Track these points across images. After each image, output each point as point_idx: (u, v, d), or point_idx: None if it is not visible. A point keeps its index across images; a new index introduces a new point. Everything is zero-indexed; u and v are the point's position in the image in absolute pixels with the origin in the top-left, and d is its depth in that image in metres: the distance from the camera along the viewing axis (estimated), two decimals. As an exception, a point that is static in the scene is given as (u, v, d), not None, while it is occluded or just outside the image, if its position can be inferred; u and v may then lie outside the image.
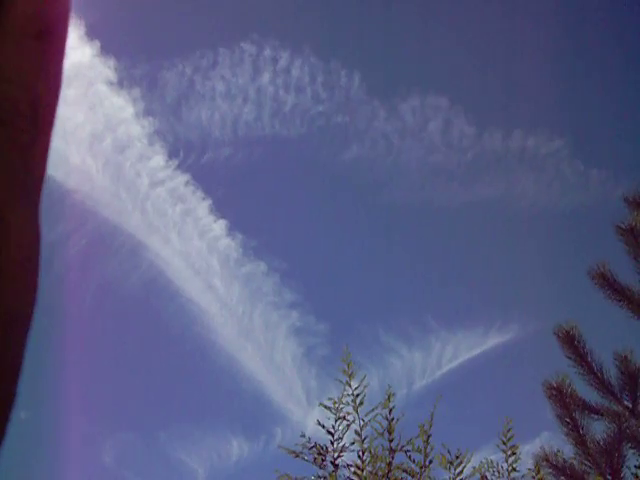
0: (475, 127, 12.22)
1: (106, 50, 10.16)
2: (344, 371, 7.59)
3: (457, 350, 11.61)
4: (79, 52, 10.07)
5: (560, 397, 5.06)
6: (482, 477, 7.75)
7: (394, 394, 7.52)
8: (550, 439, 6.75)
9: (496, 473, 7.79)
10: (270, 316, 11.91)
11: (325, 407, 7.58)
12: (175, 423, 11.63)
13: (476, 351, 11.55)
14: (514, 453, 7.58)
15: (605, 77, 12.54)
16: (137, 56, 11.09)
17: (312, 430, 7.72)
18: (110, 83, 10.54)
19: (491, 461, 7.81)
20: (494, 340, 11.48)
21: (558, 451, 5.10)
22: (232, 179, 12.28)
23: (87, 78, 10.65)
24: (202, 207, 11.32)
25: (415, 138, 12.51)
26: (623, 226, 4.85)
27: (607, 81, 12.47)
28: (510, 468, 7.59)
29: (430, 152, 12.65)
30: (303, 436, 7.51)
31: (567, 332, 5.16)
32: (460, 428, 10.34)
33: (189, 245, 11.73)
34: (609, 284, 5.09)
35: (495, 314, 12.08)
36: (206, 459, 10.73)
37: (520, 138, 12.43)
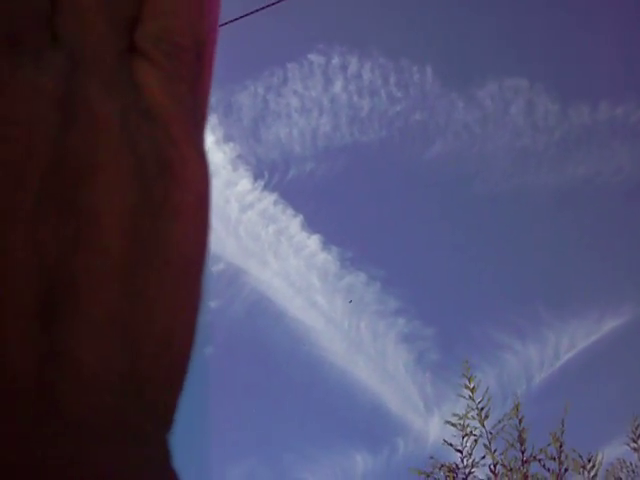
0: (559, 104, 11.74)
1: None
2: (466, 386, 7.46)
3: (573, 339, 11.21)
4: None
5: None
6: (616, 479, 7.47)
7: (521, 403, 7.34)
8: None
9: (631, 473, 7.49)
10: (376, 325, 11.86)
11: (451, 425, 7.50)
12: (296, 444, 11.76)
13: (593, 338, 11.14)
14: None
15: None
16: (210, 85, 11.35)
17: (435, 438, 7.64)
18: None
19: (624, 461, 7.51)
20: (610, 324, 11.04)
21: None
22: (319, 192, 12.30)
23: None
24: (294, 224, 11.39)
25: (498, 124, 12.15)
26: None
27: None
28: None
29: (515, 136, 12.26)
30: (432, 458, 7.48)
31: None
32: (585, 419, 10.02)
33: (287, 264, 11.82)
34: None
35: (607, 297, 11.62)
36: (331, 476, 10.81)
37: (608, 109, 11.88)
